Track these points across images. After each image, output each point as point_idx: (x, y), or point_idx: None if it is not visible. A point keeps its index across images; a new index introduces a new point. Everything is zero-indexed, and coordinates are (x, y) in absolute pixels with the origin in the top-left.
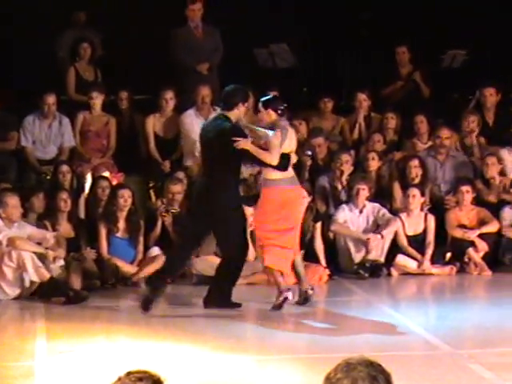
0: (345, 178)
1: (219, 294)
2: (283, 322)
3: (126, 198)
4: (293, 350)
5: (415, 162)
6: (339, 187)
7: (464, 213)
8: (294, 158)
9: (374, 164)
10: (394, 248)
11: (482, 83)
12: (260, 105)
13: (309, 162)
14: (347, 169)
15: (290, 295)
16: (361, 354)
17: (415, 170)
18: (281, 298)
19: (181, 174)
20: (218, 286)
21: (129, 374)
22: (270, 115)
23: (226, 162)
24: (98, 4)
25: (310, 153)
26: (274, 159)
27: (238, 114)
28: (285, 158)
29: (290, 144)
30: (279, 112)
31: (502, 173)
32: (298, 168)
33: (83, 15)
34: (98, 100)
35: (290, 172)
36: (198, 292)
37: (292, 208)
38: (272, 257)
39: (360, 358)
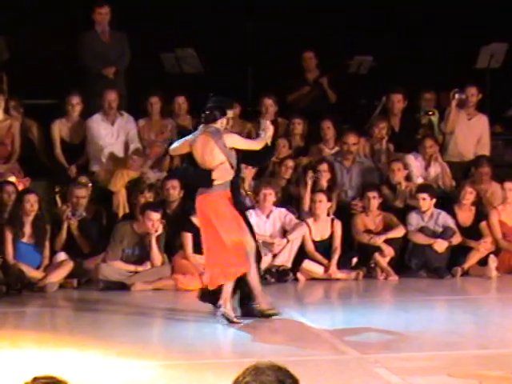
0: (247, 184)
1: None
2: (191, 327)
3: (32, 202)
4: (201, 355)
5: (324, 167)
6: (242, 193)
7: (370, 218)
8: None
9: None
10: (301, 253)
11: (388, 89)
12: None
13: None
14: (248, 174)
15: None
16: (269, 360)
17: (324, 174)
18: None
19: (84, 179)
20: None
21: (35, 379)
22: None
23: None
24: (2, 9)
25: None
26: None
27: None
28: None
29: None
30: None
31: (408, 178)
32: None
33: None
34: (0, 103)
35: None
36: (105, 297)
37: None
38: None
39: (268, 363)
